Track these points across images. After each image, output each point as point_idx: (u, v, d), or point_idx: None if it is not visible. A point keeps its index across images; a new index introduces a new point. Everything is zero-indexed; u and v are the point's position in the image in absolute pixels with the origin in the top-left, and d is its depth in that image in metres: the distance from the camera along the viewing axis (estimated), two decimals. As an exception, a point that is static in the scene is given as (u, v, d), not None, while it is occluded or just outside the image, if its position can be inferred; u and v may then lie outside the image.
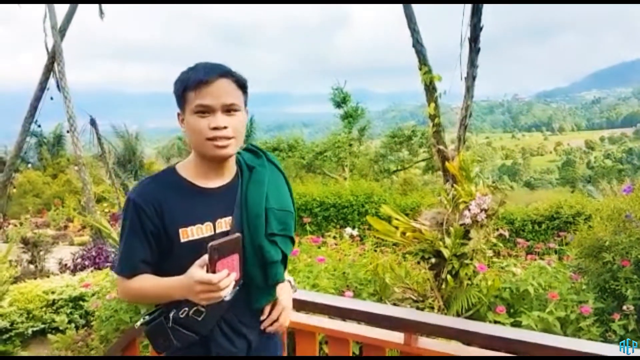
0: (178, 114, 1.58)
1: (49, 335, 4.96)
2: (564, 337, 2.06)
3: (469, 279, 3.72)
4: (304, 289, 3.37)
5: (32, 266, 8.04)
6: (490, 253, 4.01)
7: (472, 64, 5.49)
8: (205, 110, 1.49)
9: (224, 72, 1.51)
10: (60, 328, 5.12)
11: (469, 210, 3.65)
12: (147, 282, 1.54)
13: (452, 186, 4.09)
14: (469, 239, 3.70)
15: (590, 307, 3.30)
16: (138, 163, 25.53)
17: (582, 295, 3.48)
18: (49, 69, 10.28)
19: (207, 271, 1.36)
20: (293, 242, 1.74)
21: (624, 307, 3.29)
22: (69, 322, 5.28)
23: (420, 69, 5.91)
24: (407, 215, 4.14)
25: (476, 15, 5.40)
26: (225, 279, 1.36)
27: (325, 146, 21.47)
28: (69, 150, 24.14)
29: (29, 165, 23.64)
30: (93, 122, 9.81)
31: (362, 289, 3.91)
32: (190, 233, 1.52)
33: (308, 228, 5.40)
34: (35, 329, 5.27)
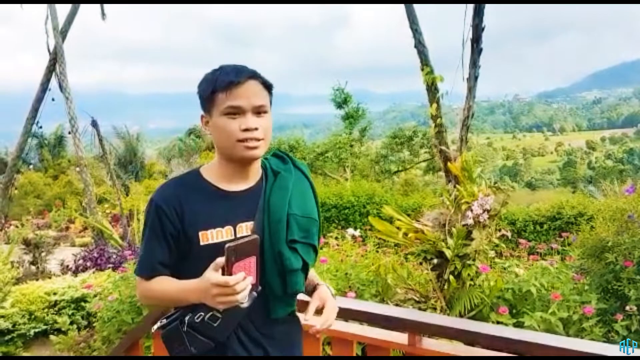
0: (202, 116, 1.57)
1: (51, 337, 4.97)
2: (566, 338, 2.06)
3: (472, 279, 3.72)
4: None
5: (33, 267, 8.04)
6: (492, 254, 4.01)
7: (474, 64, 5.48)
8: (236, 112, 1.48)
9: (252, 73, 1.51)
10: (62, 329, 5.12)
11: (472, 210, 3.65)
12: (165, 284, 1.53)
13: (455, 187, 4.09)
14: (472, 239, 3.70)
15: (593, 307, 3.29)
16: (139, 164, 25.58)
17: (585, 295, 3.48)
18: (50, 70, 10.29)
19: (223, 273, 1.33)
20: (316, 251, 1.67)
21: (627, 308, 3.28)
22: (71, 323, 5.28)
23: (422, 70, 5.91)
24: (408, 216, 4.14)
25: (478, 15, 5.40)
26: (242, 282, 1.33)
27: (326, 147, 21.48)
28: (70, 152, 24.20)
29: (30, 166, 23.67)
30: (94, 124, 9.80)
31: (364, 289, 3.91)
32: (210, 236, 1.51)
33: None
34: (37, 330, 5.27)
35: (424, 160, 22.90)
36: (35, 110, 10.52)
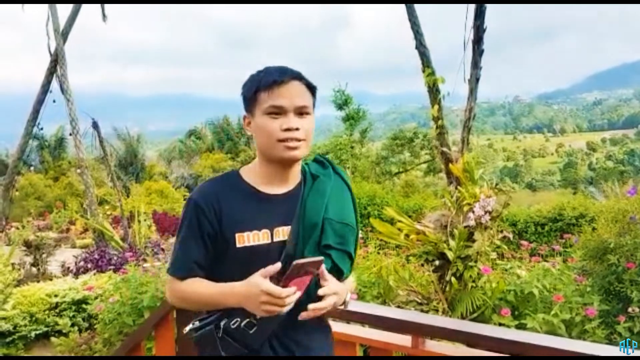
0: (244, 117, 1.57)
1: (52, 339, 4.96)
2: (569, 340, 2.06)
3: (474, 281, 3.72)
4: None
5: (34, 269, 8.02)
6: (494, 255, 4.01)
7: (476, 65, 5.48)
8: (278, 112, 1.46)
9: (296, 74, 1.50)
10: (64, 331, 5.11)
11: (473, 212, 3.65)
12: (202, 286, 1.50)
13: (456, 188, 4.09)
14: (473, 241, 3.70)
15: (595, 309, 3.29)
16: (139, 165, 25.61)
17: (587, 297, 3.47)
18: (51, 72, 10.30)
19: (272, 281, 1.33)
20: (351, 259, 1.62)
21: (629, 310, 3.27)
22: (72, 325, 5.27)
23: (423, 71, 5.91)
24: (409, 217, 4.14)
25: (479, 17, 5.40)
26: (292, 296, 1.34)
27: (326, 148, 21.48)
28: (71, 153, 24.21)
29: (31, 168, 23.68)
30: (95, 125, 9.79)
31: (365, 291, 3.91)
32: (246, 239, 1.48)
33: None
34: (38, 332, 5.25)
35: (425, 162, 22.89)
36: (36, 111, 10.53)
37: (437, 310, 3.66)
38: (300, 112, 1.48)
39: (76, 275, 7.12)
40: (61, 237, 13.00)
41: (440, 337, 2.03)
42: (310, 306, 1.41)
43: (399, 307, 3.68)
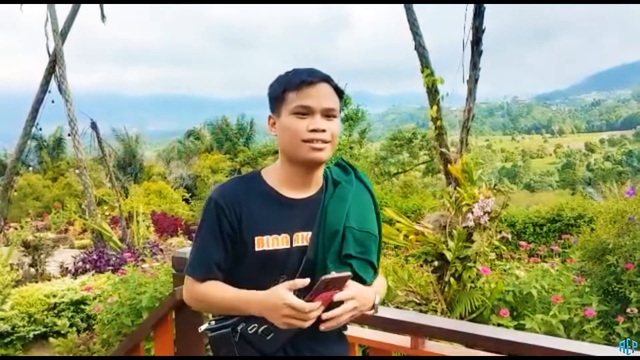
0: (269, 117, 1.54)
1: (51, 339, 4.96)
2: (567, 340, 2.06)
3: (472, 281, 3.72)
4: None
5: (33, 269, 8.02)
6: (492, 256, 4.01)
7: (475, 66, 5.49)
8: (305, 112, 1.44)
9: (325, 76, 1.48)
10: (62, 332, 5.11)
11: (472, 212, 3.65)
12: (222, 290, 1.47)
13: (455, 189, 4.09)
14: (472, 241, 3.71)
15: (594, 310, 3.29)
16: (138, 166, 25.57)
17: (586, 298, 3.48)
18: (50, 72, 10.28)
19: (295, 294, 1.32)
20: (374, 268, 1.57)
21: (628, 310, 3.28)
22: (71, 325, 5.27)
23: (422, 72, 5.92)
24: (408, 218, 4.15)
25: (478, 17, 5.41)
26: (316, 311, 1.31)
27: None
28: (69, 154, 24.18)
29: (29, 168, 23.63)
30: (94, 126, 9.78)
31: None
32: (265, 242, 1.45)
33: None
34: (36, 332, 5.25)
35: (423, 162, 22.91)
36: (34, 112, 10.51)
37: (436, 311, 3.67)
38: (327, 114, 1.46)
39: (75, 275, 7.12)
40: (60, 237, 12.99)
41: (439, 338, 2.03)
42: (324, 315, 1.36)
43: (397, 307, 3.68)
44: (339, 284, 1.35)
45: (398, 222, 3.94)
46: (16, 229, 10.56)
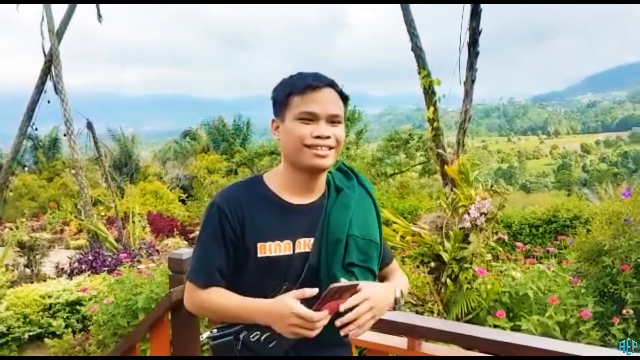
0: (272, 121, 1.52)
1: (46, 340, 4.94)
2: (562, 341, 2.06)
3: (469, 283, 3.72)
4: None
5: (28, 270, 7.98)
6: (489, 257, 4.02)
7: (471, 67, 5.50)
8: (310, 118, 1.42)
9: (330, 81, 1.47)
10: (57, 333, 5.09)
11: (469, 214, 3.66)
12: (226, 298, 1.45)
13: (452, 190, 4.10)
14: (469, 242, 3.71)
15: (590, 311, 3.30)
16: (134, 166, 25.50)
17: (582, 299, 3.49)
18: (45, 72, 10.25)
19: (303, 303, 1.30)
20: (375, 275, 1.57)
21: (624, 311, 3.29)
22: (66, 326, 5.24)
23: (419, 73, 5.93)
24: (404, 219, 4.15)
25: (475, 18, 5.42)
26: (323, 320, 1.29)
27: (322, 149, 21.43)
28: (65, 154, 24.11)
29: (25, 168, 23.54)
30: (90, 126, 9.77)
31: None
32: (267, 249, 1.44)
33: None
34: (31, 333, 5.23)
35: (420, 163, 22.90)
36: (30, 112, 10.47)
37: (432, 312, 3.67)
38: (332, 120, 1.45)
39: (70, 276, 7.09)
40: (55, 238, 12.95)
41: (436, 339, 2.03)
42: (338, 322, 1.33)
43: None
44: (347, 292, 1.34)
45: (394, 223, 3.94)
46: (11, 229, 10.51)
